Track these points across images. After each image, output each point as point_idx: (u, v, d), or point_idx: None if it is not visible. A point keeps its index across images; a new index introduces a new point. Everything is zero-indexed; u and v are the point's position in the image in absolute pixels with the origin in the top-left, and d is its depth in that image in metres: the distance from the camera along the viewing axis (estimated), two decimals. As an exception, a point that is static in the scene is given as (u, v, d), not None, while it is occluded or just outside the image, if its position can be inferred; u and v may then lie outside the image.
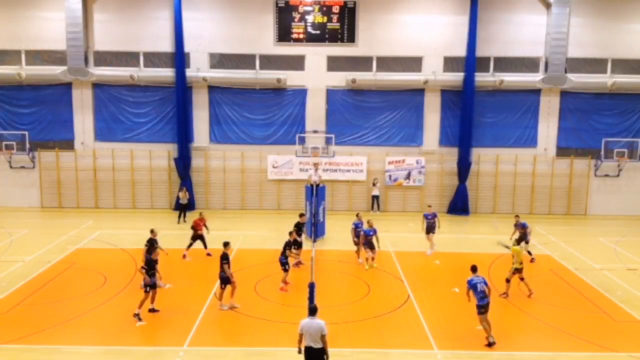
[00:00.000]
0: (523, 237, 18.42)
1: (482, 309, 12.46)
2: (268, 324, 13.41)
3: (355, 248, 18.64)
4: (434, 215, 19.63)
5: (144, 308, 13.64)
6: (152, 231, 16.24)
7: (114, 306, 14.51)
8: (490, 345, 12.36)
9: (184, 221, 23.94)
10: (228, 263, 14.13)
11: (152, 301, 13.87)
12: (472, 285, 12.61)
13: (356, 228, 18.63)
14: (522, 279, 15.29)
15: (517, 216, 19.34)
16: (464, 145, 26.09)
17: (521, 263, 15.16)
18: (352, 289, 15.94)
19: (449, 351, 12.18)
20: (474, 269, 12.92)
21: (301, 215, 18.94)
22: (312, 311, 10.06)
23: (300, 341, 9.99)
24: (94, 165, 26.56)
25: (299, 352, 10.04)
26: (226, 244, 14.41)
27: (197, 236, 18.79)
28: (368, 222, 18.35)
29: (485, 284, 12.66)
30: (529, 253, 18.63)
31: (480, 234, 21.84)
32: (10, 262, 17.90)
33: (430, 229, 19.51)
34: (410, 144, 26.85)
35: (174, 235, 22.08)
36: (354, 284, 16.32)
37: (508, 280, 15.35)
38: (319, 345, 9.81)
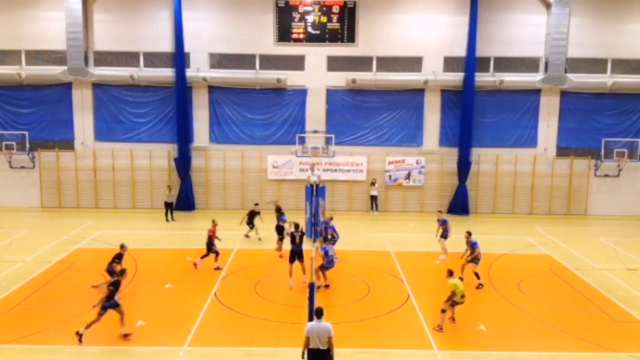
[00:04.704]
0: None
1: (327, 269, 15.73)
2: (268, 324, 13.40)
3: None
4: (444, 222, 19.08)
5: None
6: (122, 246, 15.18)
7: (114, 306, 14.50)
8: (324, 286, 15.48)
9: (172, 219, 24.18)
10: None
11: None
12: (325, 252, 15.66)
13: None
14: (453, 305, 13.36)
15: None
16: (464, 145, 26.08)
17: (462, 297, 13.01)
18: (352, 289, 15.93)
19: (449, 351, 12.17)
20: (325, 238, 16.61)
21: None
22: (319, 314, 9.92)
23: (306, 345, 9.80)
24: (94, 165, 26.55)
25: (303, 356, 9.91)
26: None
27: (210, 245, 17.26)
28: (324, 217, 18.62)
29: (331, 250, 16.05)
30: (477, 276, 16.29)
31: (480, 234, 21.72)
32: (10, 262, 17.88)
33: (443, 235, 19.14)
34: (410, 144, 26.84)
35: (173, 235, 22.14)
36: (354, 284, 16.32)
37: (443, 311, 13.13)
38: (325, 347, 9.78)
